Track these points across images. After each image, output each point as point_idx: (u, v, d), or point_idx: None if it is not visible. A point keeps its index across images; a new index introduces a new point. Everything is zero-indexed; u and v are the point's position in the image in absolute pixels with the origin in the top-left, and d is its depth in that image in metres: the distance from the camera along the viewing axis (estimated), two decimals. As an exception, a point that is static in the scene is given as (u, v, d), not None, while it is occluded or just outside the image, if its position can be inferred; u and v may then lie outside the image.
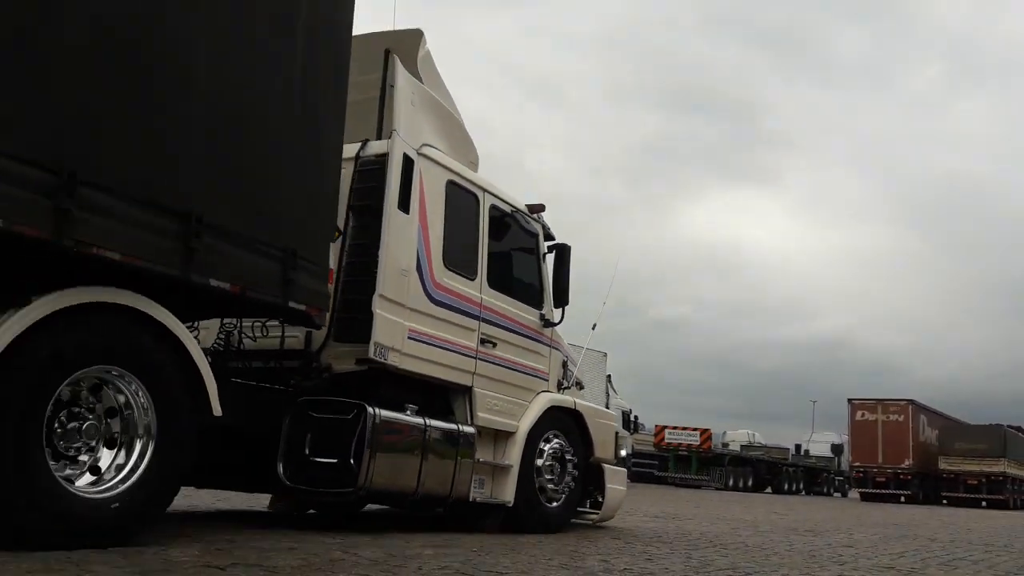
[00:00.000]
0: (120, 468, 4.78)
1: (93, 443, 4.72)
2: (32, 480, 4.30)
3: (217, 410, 5.17)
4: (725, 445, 44.31)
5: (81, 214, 4.33)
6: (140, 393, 4.82)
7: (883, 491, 38.55)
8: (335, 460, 6.03)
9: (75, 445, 4.64)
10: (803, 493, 44.60)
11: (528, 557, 5.65)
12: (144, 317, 4.81)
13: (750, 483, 40.21)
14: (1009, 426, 42.31)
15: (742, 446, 44.82)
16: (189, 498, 8.01)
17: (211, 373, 5.18)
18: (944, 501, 37.98)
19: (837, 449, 49.00)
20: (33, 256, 4.39)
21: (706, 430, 40.96)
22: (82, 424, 4.65)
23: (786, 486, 43.21)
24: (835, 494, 48.86)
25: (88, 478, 4.68)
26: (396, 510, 8.65)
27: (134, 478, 4.77)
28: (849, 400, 40.90)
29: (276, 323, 6.35)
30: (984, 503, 36.77)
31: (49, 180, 4.22)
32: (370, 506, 8.82)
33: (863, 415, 40.07)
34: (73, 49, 4.41)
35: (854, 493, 44.22)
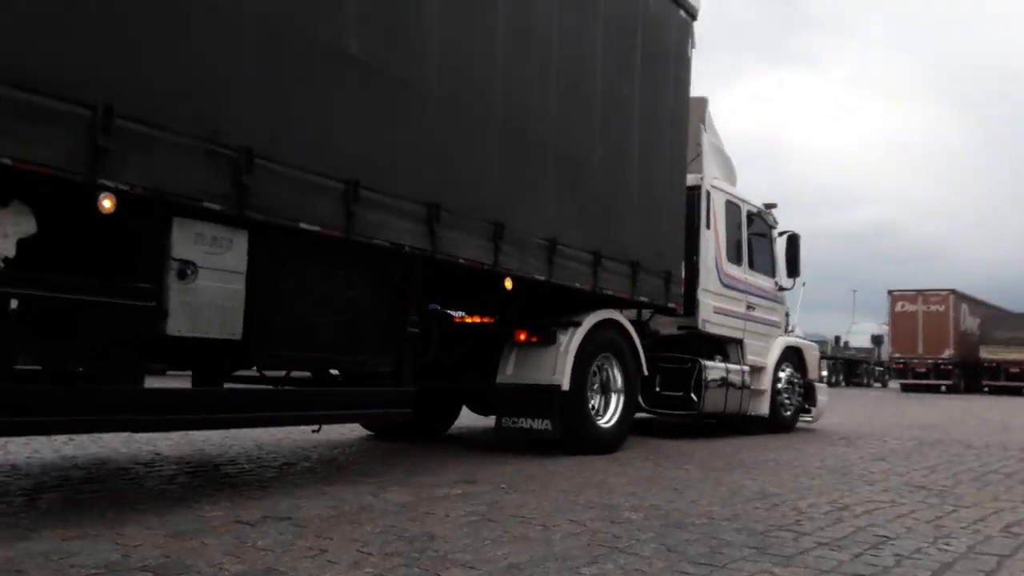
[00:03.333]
0: (607, 411, 9.11)
1: (597, 397, 9.08)
2: (586, 414, 8.66)
3: (645, 371, 9.57)
4: (764, 337, 48.52)
5: (602, 274, 8.61)
6: (616, 367, 9.16)
7: (923, 381, 42.64)
8: (680, 393, 10.48)
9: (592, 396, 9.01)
10: (843, 384, 48.98)
11: (555, 494, 6.09)
12: (617, 323, 9.16)
13: (790, 374, 44.75)
14: (1052, 312, 45.96)
15: (780, 338, 49.05)
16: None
17: (643, 351, 9.53)
18: (986, 389, 42.19)
19: (877, 339, 53.58)
20: (577, 297, 8.69)
21: (745, 323, 45.20)
22: (593, 384, 9.02)
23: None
24: (875, 384, 52.98)
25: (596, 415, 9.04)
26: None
27: (616, 416, 9.12)
28: (889, 292, 44.79)
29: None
30: (1025, 391, 40.48)
31: (589, 259, 8.48)
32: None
33: (903, 306, 43.94)
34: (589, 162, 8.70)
35: (894, 384, 48.35)
